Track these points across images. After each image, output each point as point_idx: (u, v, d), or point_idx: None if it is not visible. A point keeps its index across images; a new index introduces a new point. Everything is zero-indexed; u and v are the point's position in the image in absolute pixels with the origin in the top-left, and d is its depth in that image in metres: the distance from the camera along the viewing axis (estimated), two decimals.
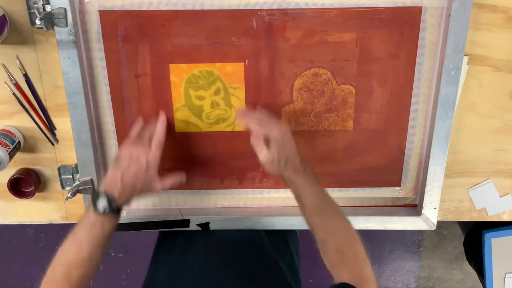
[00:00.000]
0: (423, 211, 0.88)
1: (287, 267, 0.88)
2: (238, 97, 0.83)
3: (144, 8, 0.76)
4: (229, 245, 0.87)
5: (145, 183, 0.75)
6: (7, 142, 0.82)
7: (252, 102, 0.83)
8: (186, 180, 0.83)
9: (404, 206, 0.92)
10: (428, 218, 0.89)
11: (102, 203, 0.71)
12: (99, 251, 0.72)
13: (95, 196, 0.72)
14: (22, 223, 0.97)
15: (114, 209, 0.72)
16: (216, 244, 0.87)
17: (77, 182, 0.84)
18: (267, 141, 0.74)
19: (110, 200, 0.71)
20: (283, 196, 0.92)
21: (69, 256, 0.71)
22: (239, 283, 0.75)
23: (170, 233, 0.93)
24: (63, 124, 0.86)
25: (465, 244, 1.60)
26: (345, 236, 0.72)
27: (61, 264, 0.70)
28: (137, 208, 0.92)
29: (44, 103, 0.85)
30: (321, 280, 1.72)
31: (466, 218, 0.96)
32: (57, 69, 0.80)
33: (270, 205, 0.93)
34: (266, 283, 0.79)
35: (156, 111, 0.83)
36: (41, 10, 0.74)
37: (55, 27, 0.74)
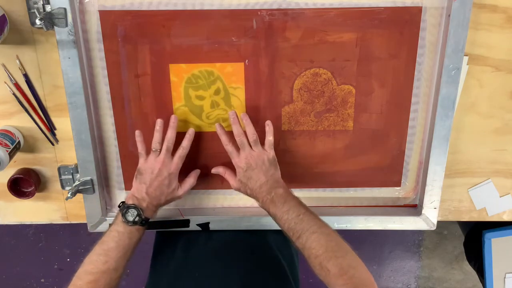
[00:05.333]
0: (423, 211, 0.88)
1: (287, 265, 0.88)
2: (238, 97, 0.83)
3: (144, 8, 0.76)
4: (229, 246, 0.87)
5: (168, 193, 0.79)
6: (7, 142, 0.82)
7: (252, 102, 0.83)
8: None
9: (404, 206, 0.92)
10: (428, 218, 0.89)
11: (132, 215, 0.75)
12: (124, 262, 0.75)
13: (124, 208, 0.75)
14: (22, 223, 0.97)
15: (143, 219, 0.76)
16: (216, 246, 0.88)
17: (77, 182, 0.85)
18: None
19: (139, 212, 0.75)
20: None
21: (97, 265, 0.73)
22: (241, 282, 0.76)
23: (168, 235, 0.94)
24: (63, 124, 0.86)
25: (465, 244, 1.60)
26: (331, 249, 0.68)
27: (88, 273, 0.72)
28: None
29: (44, 103, 0.85)
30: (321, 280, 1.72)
31: (466, 218, 0.96)
32: (57, 69, 0.80)
33: None
34: (267, 280, 0.79)
35: (157, 111, 0.83)
36: (41, 10, 0.74)
37: (55, 27, 0.74)
